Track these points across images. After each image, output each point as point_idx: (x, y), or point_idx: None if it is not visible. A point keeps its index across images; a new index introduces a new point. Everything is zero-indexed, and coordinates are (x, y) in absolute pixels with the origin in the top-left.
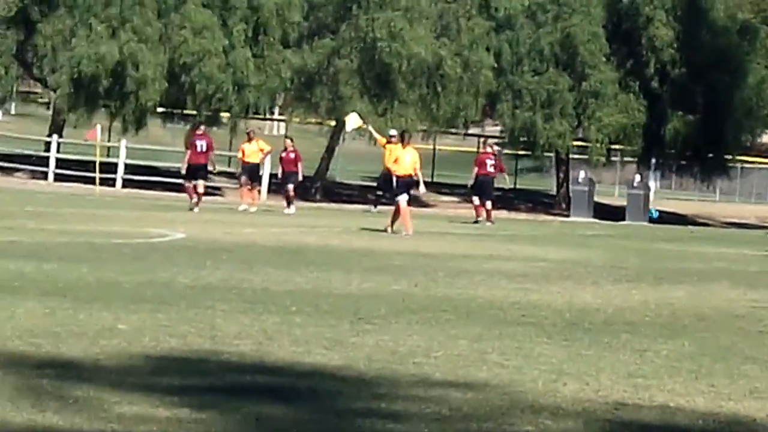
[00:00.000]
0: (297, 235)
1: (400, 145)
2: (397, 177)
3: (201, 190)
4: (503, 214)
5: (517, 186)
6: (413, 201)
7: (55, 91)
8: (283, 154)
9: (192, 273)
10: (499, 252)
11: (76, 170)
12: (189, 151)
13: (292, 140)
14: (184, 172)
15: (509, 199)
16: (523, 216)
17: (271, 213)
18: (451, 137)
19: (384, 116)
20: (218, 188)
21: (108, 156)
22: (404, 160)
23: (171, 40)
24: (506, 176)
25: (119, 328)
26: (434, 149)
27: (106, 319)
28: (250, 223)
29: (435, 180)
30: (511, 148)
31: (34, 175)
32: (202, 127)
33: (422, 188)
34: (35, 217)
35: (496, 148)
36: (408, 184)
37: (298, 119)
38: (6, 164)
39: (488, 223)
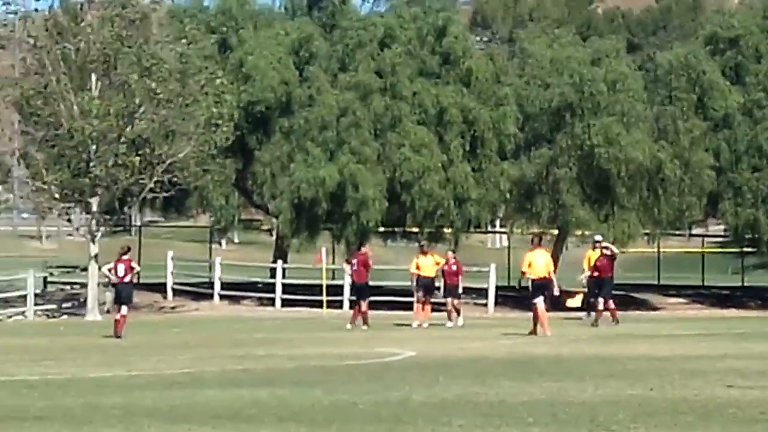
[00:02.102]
0: (527, 346)
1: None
2: (532, 281)
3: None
4: (732, 312)
5: (745, 283)
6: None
7: (276, 217)
8: (446, 267)
9: (426, 390)
10: (732, 351)
11: (302, 295)
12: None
13: (454, 253)
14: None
15: (738, 298)
16: (753, 313)
17: (498, 326)
18: (675, 239)
19: (606, 222)
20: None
21: (333, 278)
22: (537, 263)
23: (389, 159)
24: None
25: None
26: (658, 252)
27: None
28: (478, 337)
29: (661, 282)
30: (735, 246)
31: (262, 301)
32: (364, 248)
33: (556, 290)
34: (265, 343)
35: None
36: (543, 286)
37: (519, 230)
38: (233, 293)
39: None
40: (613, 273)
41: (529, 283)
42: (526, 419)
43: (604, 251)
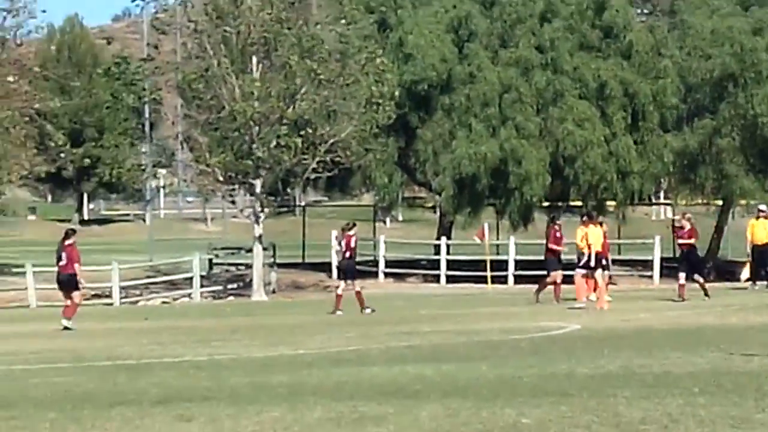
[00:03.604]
0: (693, 317)
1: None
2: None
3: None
4: None
5: None
6: None
7: (439, 194)
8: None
9: (591, 362)
10: None
11: (466, 271)
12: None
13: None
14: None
15: None
16: None
17: (666, 298)
18: None
19: None
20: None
21: (498, 254)
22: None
23: (552, 134)
24: None
25: (523, 423)
26: None
27: (510, 415)
28: (645, 309)
29: None
30: None
31: (426, 278)
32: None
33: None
34: (430, 320)
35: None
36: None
37: (683, 201)
38: (398, 270)
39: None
40: None
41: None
42: (692, 389)
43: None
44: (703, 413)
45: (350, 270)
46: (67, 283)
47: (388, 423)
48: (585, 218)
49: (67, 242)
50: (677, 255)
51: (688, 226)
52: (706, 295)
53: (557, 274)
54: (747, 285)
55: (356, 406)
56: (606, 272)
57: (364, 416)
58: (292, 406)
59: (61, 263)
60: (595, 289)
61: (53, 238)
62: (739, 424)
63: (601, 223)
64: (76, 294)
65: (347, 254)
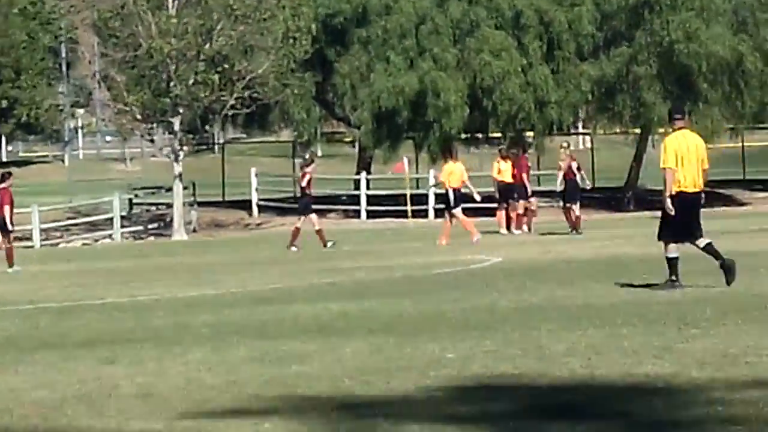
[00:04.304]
0: (614, 247)
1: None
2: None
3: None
4: None
5: None
6: None
7: (358, 128)
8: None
9: (514, 295)
10: None
11: (387, 206)
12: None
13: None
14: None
15: None
16: None
17: (586, 228)
18: (759, 132)
19: (690, 118)
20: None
21: (417, 188)
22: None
23: (469, 65)
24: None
25: (448, 358)
26: (743, 146)
27: (434, 351)
28: (564, 241)
29: (747, 177)
30: None
31: (347, 214)
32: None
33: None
34: (352, 256)
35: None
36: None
37: (602, 130)
38: (318, 206)
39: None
40: None
41: (450, 192)
42: (615, 320)
43: None
44: (627, 344)
45: (304, 206)
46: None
47: (312, 360)
48: (450, 155)
49: (1, 186)
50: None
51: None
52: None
53: (526, 203)
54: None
55: (280, 345)
56: (523, 201)
57: (288, 354)
58: (216, 346)
59: None
60: (508, 223)
61: None
62: (662, 354)
63: (516, 155)
64: (9, 237)
65: (304, 190)
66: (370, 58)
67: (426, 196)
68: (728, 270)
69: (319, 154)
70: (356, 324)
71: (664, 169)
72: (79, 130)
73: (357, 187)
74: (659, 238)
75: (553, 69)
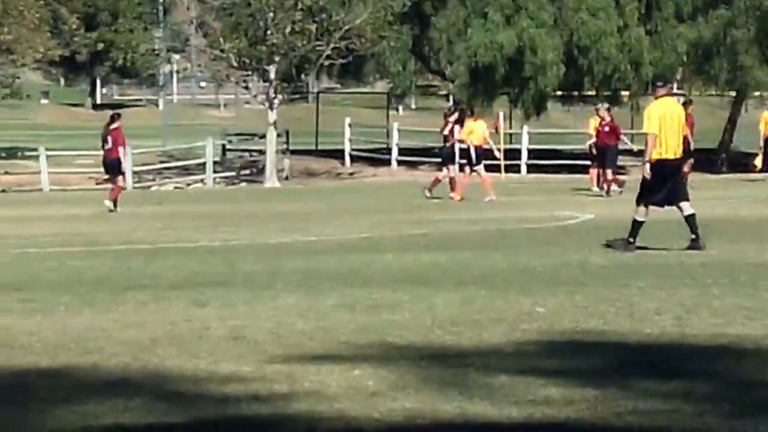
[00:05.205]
0: (706, 208)
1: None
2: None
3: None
4: None
5: None
6: None
7: (453, 82)
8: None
9: (605, 253)
10: None
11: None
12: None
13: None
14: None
15: None
16: None
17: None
18: None
19: None
20: (622, 167)
21: (511, 143)
22: (478, 131)
23: (566, 24)
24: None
25: (538, 312)
26: None
27: (524, 304)
28: None
29: None
30: None
31: (439, 167)
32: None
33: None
34: (444, 208)
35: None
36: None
37: (697, 92)
38: (411, 158)
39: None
40: None
41: (472, 149)
42: (705, 280)
43: None
44: (717, 304)
45: (446, 155)
46: (112, 167)
47: (403, 310)
48: (470, 113)
49: (112, 126)
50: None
51: (608, 118)
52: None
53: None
54: (761, 176)
55: (371, 293)
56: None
57: (379, 303)
58: (307, 292)
59: (106, 147)
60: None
61: (66, 122)
62: (753, 315)
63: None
64: (119, 178)
65: (446, 139)
66: (467, 14)
67: (519, 151)
68: (694, 248)
69: (413, 106)
70: (447, 275)
71: (647, 134)
72: (174, 75)
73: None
74: (637, 203)
75: (650, 30)
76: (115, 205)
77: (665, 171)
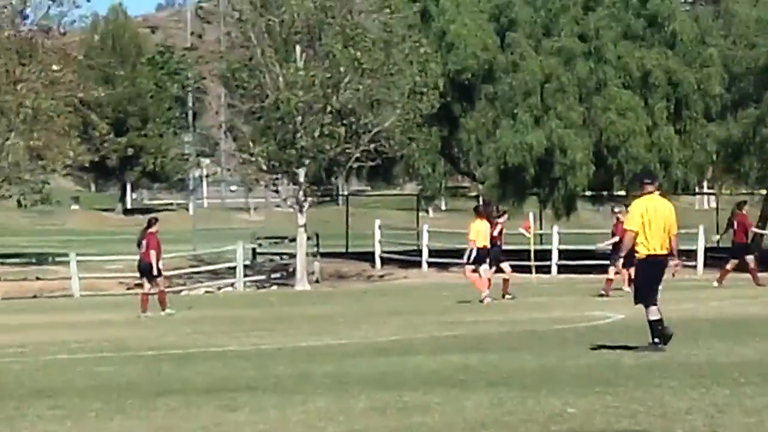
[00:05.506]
0: (737, 307)
1: None
2: (478, 249)
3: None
4: None
5: None
6: None
7: (482, 183)
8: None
9: (636, 352)
10: None
11: (509, 260)
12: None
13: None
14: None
15: None
16: None
17: (708, 287)
18: None
19: None
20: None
21: (541, 243)
22: (483, 232)
23: (595, 123)
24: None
25: (569, 412)
26: None
27: (555, 405)
28: (688, 299)
29: None
30: None
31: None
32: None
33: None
34: (474, 310)
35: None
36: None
37: (728, 191)
38: (441, 260)
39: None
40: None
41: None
42: (738, 379)
43: None
44: (750, 403)
45: (493, 256)
46: (146, 271)
47: (434, 412)
48: (475, 211)
49: (149, 230)
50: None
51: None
52: None
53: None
54: None
55: (401, 396)
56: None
57: (409, 406)
58: (337, 395)
59: (141, 250)
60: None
61: (96, 227)
62: None
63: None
64: (159, 280)
65: (495, 240)
66: (496, 115)
67: (549, 251)
68: (648, 348)
69: (443, 207)
70: (477, 377)
71: (627, 230)
72: (204, 179)
73: None
74: (636, 302)
75: (679, 129)
76: (163, 308)
77: (658, 266)
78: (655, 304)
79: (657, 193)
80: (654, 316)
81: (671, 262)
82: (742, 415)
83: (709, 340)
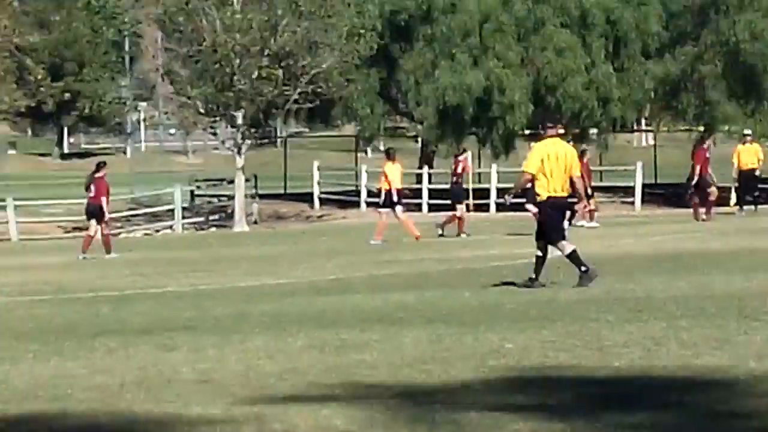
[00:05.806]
0: (674, 242)
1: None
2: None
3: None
4: None
5: None
6: None
7: (421, 124)
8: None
9: (574, 288)
10: None
11: (447, 199)
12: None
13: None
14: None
15: None
16: None
17: (648, 224)
18: None
19: (752, 117)
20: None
21: (479, 182)
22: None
23: (533, 63)
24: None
25: (506, 348)
26: None
27: (493, 341)
28: (625, 235)
29: None
30: None
31: (408, 207)
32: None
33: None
34: (412, 248)
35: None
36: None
37: (666, 128)
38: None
39: None
40: None
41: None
42: (674, 313)
43: None
44: (686, 336)
45: (457, 193)
46: (94, 214)
47: (372, 350)
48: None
49: (97, 174)
50: (661, 181)
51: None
52: None
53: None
54: (734, 210)
55: (339, 334)
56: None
57: (347, 343)
58: (275, 334)
59: (90, 194)
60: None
61: (33, 172)
62: (721, 346)
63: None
64: (102, 225)
65: (455, 178)
66: (434, 55)
67: (488, 190)
68: (582, 280)
69: (382, 148)
70: (415, 314)
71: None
72: (142, 123)
73: (419, 182)
74: (548, 241)
75: (618, 67)
76: (108, 252)
77: (560, 207)
78: (564, 239)
79: (558, 136)
80: (568, 249)
81: (577, 206)
82: (679, 348)
83: (646, 274)
